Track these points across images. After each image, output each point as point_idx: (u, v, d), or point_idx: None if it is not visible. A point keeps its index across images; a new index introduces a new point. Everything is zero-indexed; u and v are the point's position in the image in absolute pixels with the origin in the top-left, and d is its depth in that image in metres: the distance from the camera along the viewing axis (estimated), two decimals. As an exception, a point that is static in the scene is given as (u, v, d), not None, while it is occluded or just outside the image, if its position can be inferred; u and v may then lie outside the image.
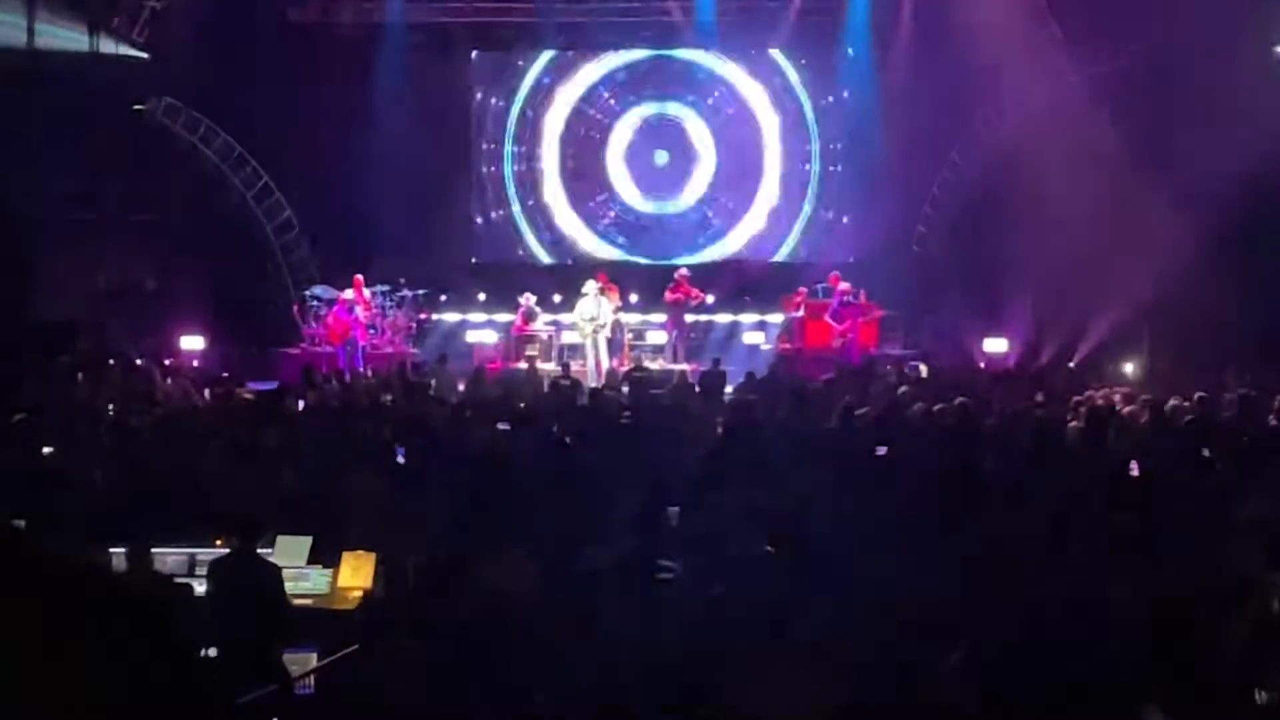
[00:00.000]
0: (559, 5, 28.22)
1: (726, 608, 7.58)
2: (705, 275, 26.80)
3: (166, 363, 22.02)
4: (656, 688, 6.73)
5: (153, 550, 9.40)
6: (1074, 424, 14.18)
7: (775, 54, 29.27)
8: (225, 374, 20.76)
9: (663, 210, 29.88)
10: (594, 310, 24.06)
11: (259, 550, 8.94)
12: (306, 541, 9.85)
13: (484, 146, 29.83)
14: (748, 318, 27.66)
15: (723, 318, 27.55)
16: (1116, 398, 17.07)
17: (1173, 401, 15.16)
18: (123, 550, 9.23)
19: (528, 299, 25.74)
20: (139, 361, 21.60)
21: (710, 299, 26.43)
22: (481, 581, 8.34)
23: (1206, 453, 12.44)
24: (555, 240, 29.90)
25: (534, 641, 7.27)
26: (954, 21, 24.95)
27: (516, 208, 29.86)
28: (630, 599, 7.95)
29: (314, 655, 8.29)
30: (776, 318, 26.77)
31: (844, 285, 25.03)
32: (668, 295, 25.35)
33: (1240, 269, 21.97)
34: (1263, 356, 20.05)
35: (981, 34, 24.55)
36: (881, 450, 12.48)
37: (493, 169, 29.88)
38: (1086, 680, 6.45)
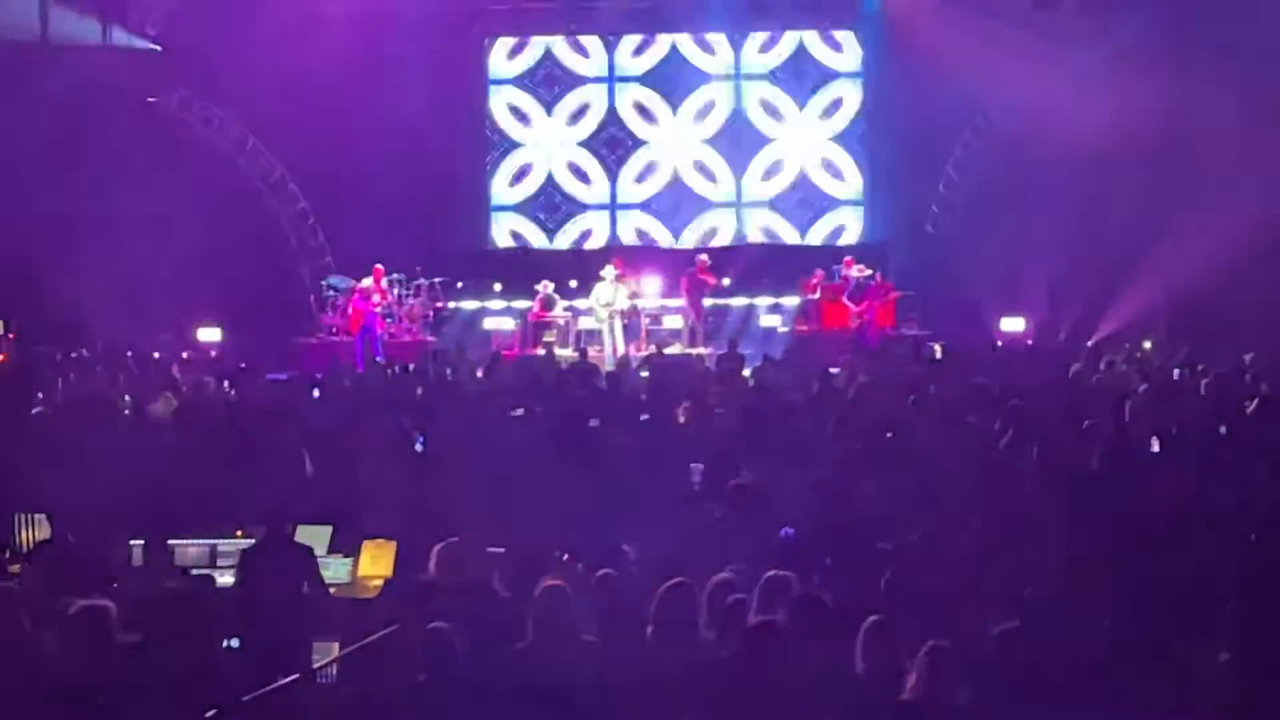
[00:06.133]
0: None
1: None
2: (723, 259, 26.74)
3: (184, 355, 22.01)
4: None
5: (175, 542, 9.45)
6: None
7: (789, 35, 29.04)
8: (243, 365, 20.72)
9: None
10: (610, 295, 24.15)
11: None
12: (326, 531, 9.84)
13: (498, 133, 29.67)
14: (764, 301, 27.55)
15: (739, 301, 27.45)
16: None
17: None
18: (141, 543, 9.27)
19: (545, 286, 25.74)
20: (155, 355, 21.59)
21: (727, 282, 26.34)
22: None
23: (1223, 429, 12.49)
24: (573, 226, 29.72)
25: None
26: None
27: (533, 192, 29.67)
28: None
29: (335, 644, 8.26)
30: (793, 300, 26.70)
31: (858, 267, 25.12)
32: (685, 281, 25.32)
33: (1263, 247, 21.84)
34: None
35: (997, 9, 24.56)
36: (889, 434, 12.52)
37: (508, 155, 29.70)
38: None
